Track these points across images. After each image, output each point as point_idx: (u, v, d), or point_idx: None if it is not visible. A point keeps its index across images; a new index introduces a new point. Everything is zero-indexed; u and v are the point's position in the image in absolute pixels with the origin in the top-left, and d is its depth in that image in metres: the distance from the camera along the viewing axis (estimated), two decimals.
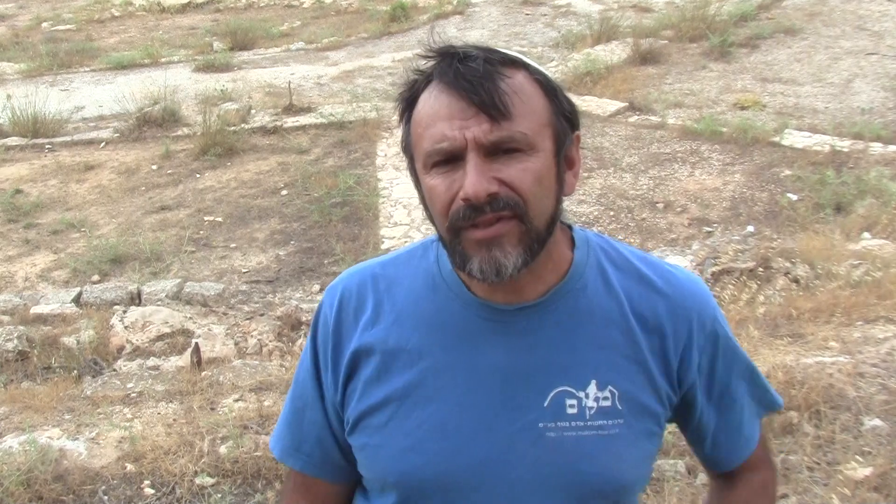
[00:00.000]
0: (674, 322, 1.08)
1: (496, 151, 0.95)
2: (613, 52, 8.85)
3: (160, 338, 4.19)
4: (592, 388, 1.05)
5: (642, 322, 1.08)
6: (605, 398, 1.05)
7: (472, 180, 0.94)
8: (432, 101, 0.98)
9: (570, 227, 1.11)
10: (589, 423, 1.05)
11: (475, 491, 1.05)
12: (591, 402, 1.05)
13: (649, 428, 1.09)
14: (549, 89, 1.00)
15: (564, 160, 1.03)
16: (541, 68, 1.01)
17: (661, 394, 1.08)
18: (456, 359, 1.06)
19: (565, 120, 1.01)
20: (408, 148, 1.04)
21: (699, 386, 1.12)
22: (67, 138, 7.60)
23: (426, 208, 1.04)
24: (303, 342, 4.05)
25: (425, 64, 1.01)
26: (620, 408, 1.06)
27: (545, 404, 1.05)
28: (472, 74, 0.94)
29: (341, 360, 1.11)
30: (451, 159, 0.96)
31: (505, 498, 1.05)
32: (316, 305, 1.31)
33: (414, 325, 1.08)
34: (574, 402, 1.05)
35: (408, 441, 1.06)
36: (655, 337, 1.08)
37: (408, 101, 1.02)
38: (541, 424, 1.04)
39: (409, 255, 1.15)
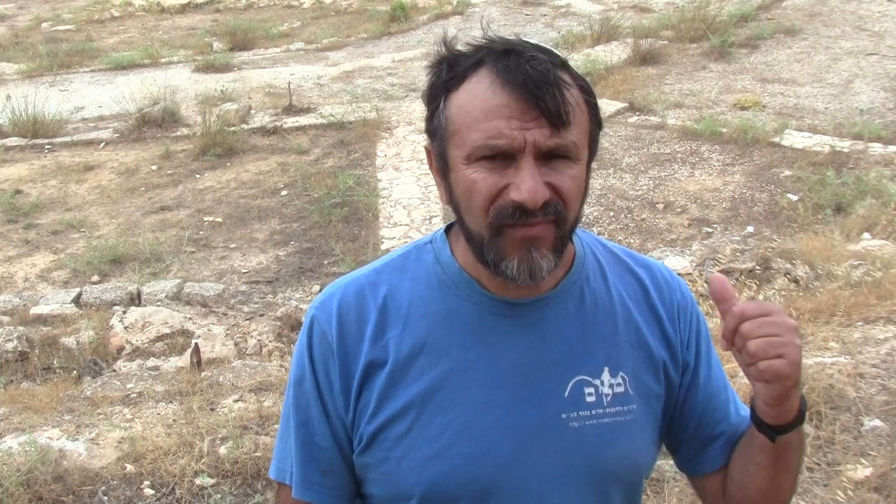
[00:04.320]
0: (664, 305, 1.13)
1: (548, 157, 0.96)
2: (613, 53, 8.85)
3: (160, 338, 4.19)
4: (606, 376, 1.07)
5: (639, 308, 1.11)
6: (619, 384, 1.07)
7: (530, 186, 0.94)
8: (488, 95, 0.95)
9: None
10: (607, 409, 1.06)
11: (502, 491, 1.04)
12: (606, 389, 1.07)
13: (655, 411, 1.11)
14: (591, 100, 1.00)
15: None
16: (579, 73, 1.01)
17: (661, 377, 1.11)
18: (475, 357, 1.05)
19: (597, 127, 1.03)
20: (439, 131, 1.01)
21: (690, 366, 1.14)
22: (67, 139, 7.60)
23: (452, 199, 1.02)
24: None
25: (469, 49, 0.99)
26: (632, 393, 1.08)
27: (566, 395, 1.05)
28: (541, 79, 0.93)
29: (352, 378, 1.06)
30: (499, 156, 0.96)
31: (531, 495, 1.05)
32: None
33: (426, 329, 1.06)
34: (591, 389, 1.06)
35: (432, 448, 1.03)
36: (653, 321, 1.12)
37: (448, 83, 0.99)
38: (563, 416, 1.05)
39: (403, 260, 1.12)
